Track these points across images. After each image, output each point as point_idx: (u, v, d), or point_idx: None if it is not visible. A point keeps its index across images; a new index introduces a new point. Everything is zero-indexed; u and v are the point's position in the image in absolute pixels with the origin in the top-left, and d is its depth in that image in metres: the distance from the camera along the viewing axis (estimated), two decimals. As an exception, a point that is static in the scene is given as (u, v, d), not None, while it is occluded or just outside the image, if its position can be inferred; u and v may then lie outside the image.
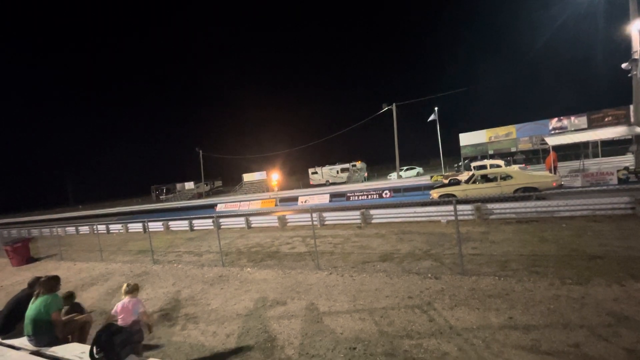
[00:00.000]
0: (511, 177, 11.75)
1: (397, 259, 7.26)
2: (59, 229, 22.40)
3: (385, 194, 19.85)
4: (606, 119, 25.03)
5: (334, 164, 38.54)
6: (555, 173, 14.08)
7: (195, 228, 16.52)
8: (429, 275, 6.04)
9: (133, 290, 4.24)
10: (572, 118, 26.63)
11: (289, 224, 13.75)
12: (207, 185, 50.41)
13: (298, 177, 44.70)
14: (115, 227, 19.76)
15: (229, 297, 6.35)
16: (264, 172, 43.10)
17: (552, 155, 14.41)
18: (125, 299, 4.10)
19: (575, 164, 19.57)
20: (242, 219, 14.89)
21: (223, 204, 27.09)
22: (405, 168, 33.66)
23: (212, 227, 15.66)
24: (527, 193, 10.38)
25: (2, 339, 4.17)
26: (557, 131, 26.57)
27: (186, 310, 6.02)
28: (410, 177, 31.35)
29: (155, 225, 17.49)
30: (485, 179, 12.35)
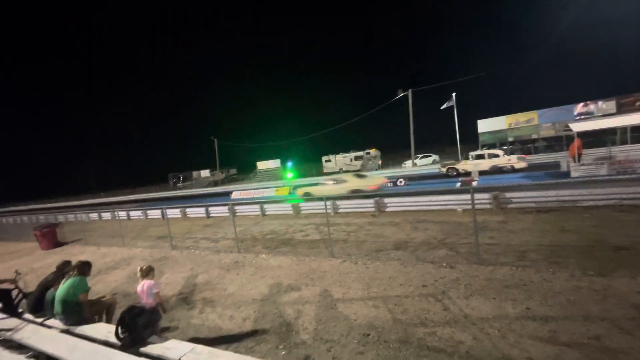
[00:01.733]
0: (346, 181, 15.50)
1: (412, 248, 7.24)
2: (83, 215, 23.42)
3: (400, 182, 19.63)
4: (637, 104, 23.68)
5: (347, 151, 38.30)
6: (579, 161, 13.55)
7: (211, 215, 16.89)
8: (444, 264, 6.00)
9: (148, 272, 4.34)
10: (600, 103, 25.31)
11: (302, 212, 13.86)
12: (222, 173, 51.13)
13: (311, 165, 44.71)
14: (136, 214, 20.46)
15: (244, 283, 6.52)
16: (277, 160, 43.36)
17: (576, 142, 13.82)
18: (142, 282, 4.24)
19: (601, 152, 18.72)
20: (257, 206, 15.12)
21: (238, 192, 27.52)
22: (420, 156, 33.12)
23: (227, 214, 15.99)
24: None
25: (35, 317, 4.45)
26: (582, 117, 25.38)
27: (204, 295, 6.22)
28: (425, 165, 30.84)
29: (173, 212, 18.00)
30: (335, 180, 16.13)
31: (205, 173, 52.15)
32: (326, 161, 39.58)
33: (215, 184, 46.91)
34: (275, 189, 24.80)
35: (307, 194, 16.17)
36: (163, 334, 4.43)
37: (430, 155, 33.75)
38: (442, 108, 27.79)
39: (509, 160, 19.07)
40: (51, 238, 13.82)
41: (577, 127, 14.53)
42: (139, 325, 3.41)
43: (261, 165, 45.56)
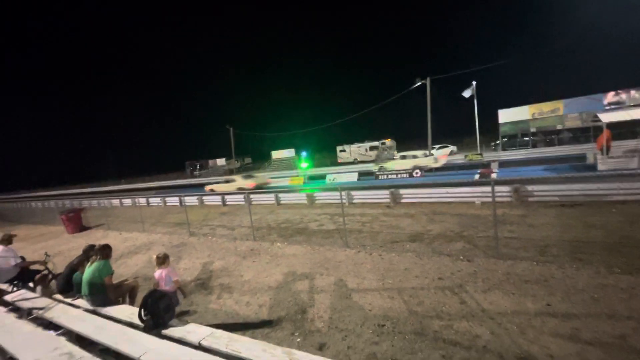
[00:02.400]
0: (234, 180, 21.27)
1: (427, 240, 7.16)
2: (104, 201, 24.30)
3: (416, 173, 19.34)
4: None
5: (362, 141, 37.91)
6: (607, 153, 12.92)
7: (227, 203, 17.20)
8: (461, 257, 5.91)
9: (164, 260, 4.48)
10: (632, 92, 23.91)
11: (317, 202, 13.91)
12: (237, 162, 51.78)
13: (326, 154, 44.58)
14: (155, 201, 21.08)
15: (260, 270, 6.64)
16: (292, 150, 43.36)
17: (605, 133, 13.15)
18: (160, 270, 4.38)
19: (632, 144, 17.77)
20: (272, 195, 15.27)
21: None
22: (437, 146, 32.37)
23: (243, 202, 16.23)
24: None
25: (64, 297, 4.69)
26: (613, 107, 24.07)
27: (221, 281, 6.39)
28: (442, 156, 30.18)
29: (191, 200, 18.42)
30: (226, 180, 21.66)
31: (221, 162, 52.95)
32: (341, 151, 39.38)
33: (231, 172, 47.56)
34: (290, 178, 24.91)
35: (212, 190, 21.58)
36: (182, 317, 4.60)
37: (448, 146, 32.97)
38: (463, 94, 26.93)
39: (428, 160, 21.46)
40: (76, 222, 14.44)
41: (606, 117, 13.80)
42: (161, 309, 3.53)
43: (276, 154, 45.71)
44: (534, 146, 26.83)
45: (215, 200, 17.76)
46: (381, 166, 23.64)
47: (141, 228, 12.94)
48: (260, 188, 19.75)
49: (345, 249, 7.26)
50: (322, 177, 23.76)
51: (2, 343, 2.92)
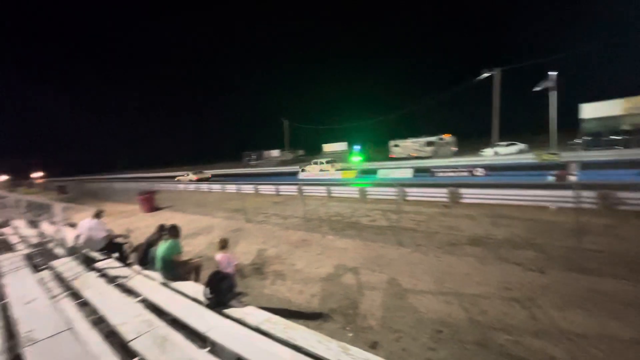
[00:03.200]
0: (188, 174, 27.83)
1: (491, 245, 6.59)
2: (171, 185, 26.81)
3: (478, 171, 17.94)
4: None
5: (418, 136, 36.21)
6: None
7: (280, 193, 17.80)
8: (532, 267, 5.33)
9: (225, 245, 4.74)
10: None
11: (369, 196, 13.69)
12: (290, 154, 53.28)
13: (379, 149, 43.63)
14: (215, 187, 22.68)
15: (312, 261, 6.75)
16: (344, 143, 43.23)
17: None
18: (221, 253, 4.65)
19: None
20: (324, 187, 15.40)
21: (305, 172, 28.42)
22: (504, 143, 29.60)
23: (295, 193, 16.64)
24: None
25: (142, 269, 5.28)
26: None
27: (274, 267, 6.63)
28: (509, 154, 27.54)
29: (247, 188, 19.43)
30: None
31: (275, 153, 54.95)
32: (394, 146, 38.04)
33: (284, 163, 49.13)
34: (342, 172, 24.90)
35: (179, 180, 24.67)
36: (240, 298, 4.87)
37: (516, 144, 29.94)
38: (539, 87, 24.07)
39: (330, 167, 26.35)
40: (150, 203, 16.19)
41: None
42: (223, 289, 3.78)
43: (327, 147, 46.02)
44: (626, 146, 23.10)
45: (269, 190, 18.48)
46: (303, 168, 28.28)
47: (203, 212, 14.01)
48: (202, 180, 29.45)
49: (399, 247, 7.03)
50: (374, 171, 23.32)
51: (97, 304, 3.39)
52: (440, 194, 11.53)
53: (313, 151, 55.63)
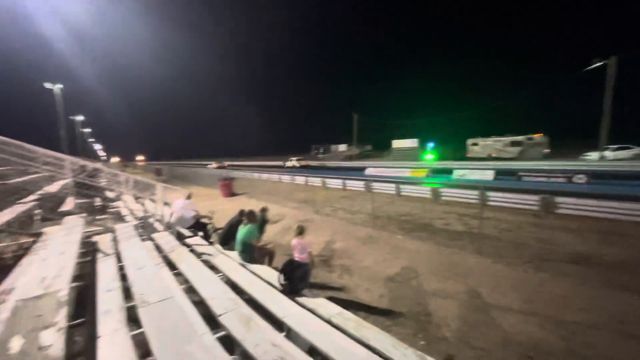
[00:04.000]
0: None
1: (598, 266, 5.57)
2: (246, 173, 28.97)
3: (579, 178, 15.37)
4: None
5: (502, 135, 32.57)
6: None
7: (347, 187, 17.83)
8: (658, 300, 4.35)
9: (302, 231, 4.86)
10: None
11: (442, 198, 12.82)
12: (357, 149, 52.94)
13: (455, 147, 40.56)
14: (285, 178, 23.80)
15: (380, 259, 6.59)
16: (415, 140, 41.11)
17: None
18: (297, 239, 4.78)
19: None
20: (392, 185, 14.90)
21: (372, 168, 27.96)
22: (614, 147, 24.82)
23: (362, 188, 16.49)
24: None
25: (223, 249, 5.79)
26: None
27: (342, 261, 6.65)
28: (621, 159, 23.00)
29: (315, 181, 19.92)
30: None
31: (342, 147, 55.18)
32: (472, 144, 34.85)
33: (350, 158, 49.08)
34: (411, 170, 23.85)
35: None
36: (310, 289, 4.99)
37: (631, 147, 24.83)
38: None
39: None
40: (229, 189, 17.79)
41: None
42: (297, 277, 3.90)
43: (397, 143, 44.30)
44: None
45: (336, 183, 18.66)
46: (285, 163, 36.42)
47: (274, 200, 14.80)
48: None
49: (478, 256, 6.40)
50: (449, 171, 21.78)
51: (190, 277, 3.82)
52: (529, 201, 10.18)
53: (381, 147, 54.32)
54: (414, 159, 35.99)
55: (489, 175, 18.76)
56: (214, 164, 50.85)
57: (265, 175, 26.24)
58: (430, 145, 33.85)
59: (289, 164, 43.63)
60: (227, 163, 55.99)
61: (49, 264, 3.12)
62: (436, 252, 6.78)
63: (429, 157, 31.57)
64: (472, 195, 11.61)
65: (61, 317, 2.08)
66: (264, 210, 5.86)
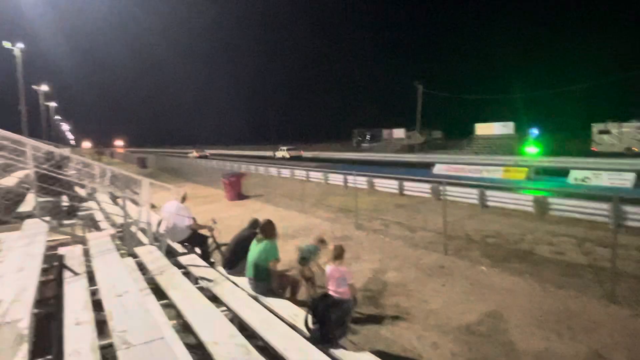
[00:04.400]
0: None
1: None
2: (261, 168, 29.64)
3: None
4: None
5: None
6: None
7: (405, 192, 17.64)
8: None
9: (340, 255, 4.86)
10: None
11: (552, 212, 12.29)
12: (422, 136, 51.84)
13: (574, 135, 38.59)
14: (315, 176, 24.06)
15: (454, 300, 6.47)
16: (510, 124, 39.53)
17: None
18: (334, 266, 4.79)
19: None
20: (475, 191, 14.51)
21: (442, 165, 27.46)
22: None
23: (428, 194, 16.25)
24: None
25: (228, 273, 5.97)
26: None
27: (396, 300, 6.60)
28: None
29: (358, 181, 19.90)
30: None
31: (399, 133, 54.29)
32: (601, 132, 32.86)
33: (411, 149, 48.12)
34: (504, 169, 23.14)
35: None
36: (349, 335, 5.00)
37: None
38: None
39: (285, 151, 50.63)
40: (236, 188, 18.34)
41: None
42: (332, 320, 3.92)
43: (482, 129, 42.95)
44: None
45: (390, 185, 18.52)
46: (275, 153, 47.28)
47: (299, 207, 15.05)
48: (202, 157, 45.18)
49: (609, 303, 6.07)
50: (563, 172, 20.84)
51: (184, 310, 3.99)
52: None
53: (457, 133, 52.88)
54: (507, 152, 34.68)
55: (627, 179, 17.74)
56: (194, 153, 63.79)
57: (285, 171, 26.73)
58: (534, 132, 32.50)
59: (278, 154, 52.32)
60: (208, 152, 67.06)
61: (5, 283, 3.39)
62: (541, 294, 6.59)
63: (532, 149, 30.33)
64: (598, 209, 11.08)
65: (22, 357, 2.24)
66: (269, 224, 5.76)
